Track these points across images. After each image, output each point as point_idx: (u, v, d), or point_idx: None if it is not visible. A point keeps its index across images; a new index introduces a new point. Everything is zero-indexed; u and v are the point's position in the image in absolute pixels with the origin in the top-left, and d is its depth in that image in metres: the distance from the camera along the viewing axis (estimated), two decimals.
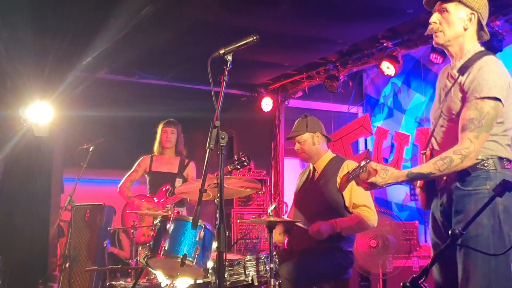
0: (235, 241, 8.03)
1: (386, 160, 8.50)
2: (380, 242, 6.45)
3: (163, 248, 4.20)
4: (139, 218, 6.33)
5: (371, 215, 4.68)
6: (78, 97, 8.06)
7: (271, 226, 4.38)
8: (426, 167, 3.11)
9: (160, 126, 6.69)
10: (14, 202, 7.89)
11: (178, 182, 6.48)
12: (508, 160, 3.16)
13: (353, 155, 8.55)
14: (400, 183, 3.19)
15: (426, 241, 7.31)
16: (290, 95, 9.37)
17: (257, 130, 9.92)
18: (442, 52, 7.37)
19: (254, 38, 3.32)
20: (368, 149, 8.82)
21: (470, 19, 3.23)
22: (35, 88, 7.41)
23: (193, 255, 4.12)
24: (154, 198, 6.47)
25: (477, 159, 3.09)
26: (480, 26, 3.27)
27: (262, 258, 4.50)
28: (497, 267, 3.00)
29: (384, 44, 7.41)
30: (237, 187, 4.78)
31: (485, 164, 3.11)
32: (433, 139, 3.37)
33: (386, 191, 8.63)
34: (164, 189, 6.46)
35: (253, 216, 8.19)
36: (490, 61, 3.13)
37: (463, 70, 3.18)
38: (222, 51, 3.26)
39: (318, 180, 4.92)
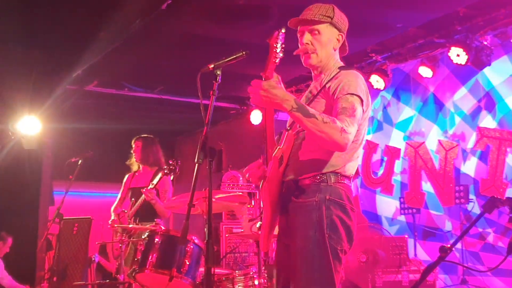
0: (224, 255, 7.98)
1: (376, 174, 8.51)
2: (369, 256, 6.43)
3: (151, 262, 4.18)
4: (113, 233, 6.33)
5: None
6: (67, 110, 8.04)
7: (259, 241, 4.36)
8: (313, 110, 3.02)
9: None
10: (3, 214, 7.84)
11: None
12: (344, 176, 3.17)
13: None
14: (281, 106, 3.09)
15: (416, 255, 7.29)
16: None
17: (246, 143, 9.89)
18: (431, 66, 7.44)
19: (244, 53, 3.31)
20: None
21: (339, 40, 3.33)
22: (24, 101, 7.39)
23: (181, 269, 4.10)
24: (125, 212, 6.54)
25: (315, 173, 3.12)
26: (343, 44, 3.37)
27: (251, 273, 4.48)
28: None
29: (374, 57, 7.44)
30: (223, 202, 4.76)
31: (318, 177, 3.12)
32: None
33: (376, 205, 8.62)
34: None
35: (242, 230, 8.15)
36: (354, 72, 3.21)
37: (331, 80, 3.21)
38: (211, 66, 3.24)
39: None
